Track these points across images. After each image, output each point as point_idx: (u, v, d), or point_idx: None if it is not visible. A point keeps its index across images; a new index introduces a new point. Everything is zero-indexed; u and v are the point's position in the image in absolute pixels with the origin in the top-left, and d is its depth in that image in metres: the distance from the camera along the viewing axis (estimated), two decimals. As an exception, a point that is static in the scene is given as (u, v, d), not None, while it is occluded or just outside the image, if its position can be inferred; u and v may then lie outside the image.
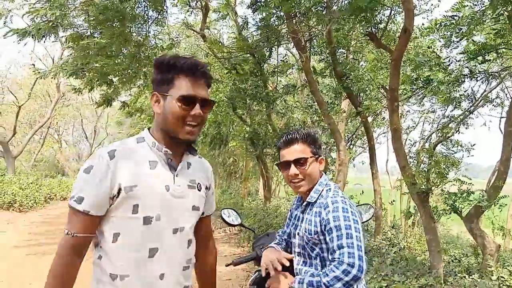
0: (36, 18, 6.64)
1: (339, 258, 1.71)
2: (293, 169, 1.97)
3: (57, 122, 30.15)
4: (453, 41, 6.75)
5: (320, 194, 1.99)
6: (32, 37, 6.81)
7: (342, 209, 1.82)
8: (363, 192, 9.65)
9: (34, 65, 8.75)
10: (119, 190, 1.46)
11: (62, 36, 7.62)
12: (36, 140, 29.81)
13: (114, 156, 1.48)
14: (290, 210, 2.26)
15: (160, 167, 1.55)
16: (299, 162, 1.97)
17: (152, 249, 1.51)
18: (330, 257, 1.80)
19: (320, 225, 1.88)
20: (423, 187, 5.72)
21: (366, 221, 2.82)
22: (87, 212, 1.44)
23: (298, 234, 2.08)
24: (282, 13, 7.34)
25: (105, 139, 36.28)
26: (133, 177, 1.48)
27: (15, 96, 22.34)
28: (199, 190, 1.69)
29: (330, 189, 1.99)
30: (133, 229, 1.49)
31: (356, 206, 2.34)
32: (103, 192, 1.45)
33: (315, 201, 1.99)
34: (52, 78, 10.89)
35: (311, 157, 2.00)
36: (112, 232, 1.49)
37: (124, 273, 1.48)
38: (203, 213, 1.77)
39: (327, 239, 1.79)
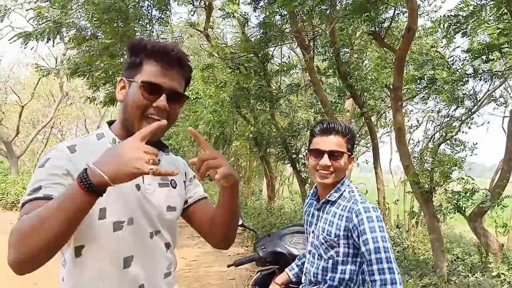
0: (40, 20, 6.68)
1: (380, 279, 1.73)
2: (326, 160, 1.85)
3: (60, 122, 30.09)
4: (455, 40, 6.75)
5: (342, 194, 1.91)
6: (36, 39, 6.85)
7: (376, 218, 1.77)
8: (367, 191, 9.63)
9: (37, 64, 8.78)
10: None
11: (65, 36, 7.65)
12: (39, 140, 29.78)
13: (75, 150, 1.26)
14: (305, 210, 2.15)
15: None
16: (334, 154, 1.86)
17: (126, 259, 1.28)
18: (366, 268, 1.78)
19: (346, 231, 1.82)
20: (427, 186, 5.72)
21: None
22: (49, 197, 1.13)
23: (312, 232, 2.00)
24: (285, 12, 7.35)
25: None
26: None
27: (18, 96, 22.37)
28: (174, 188, 1.47)
29: (352, 191, 1.91)
30: (102, 238, 1.24)
31: None
32: (64, 184, 1.18)
33: (335, 201, 1.91)
34: (55, 77, 10.94)
35: (346, 153, 1.89)
36: (73, 245, 1.24)
37: None
38: (187, 202, 1.56)
39: (363, 249, 1.75)
